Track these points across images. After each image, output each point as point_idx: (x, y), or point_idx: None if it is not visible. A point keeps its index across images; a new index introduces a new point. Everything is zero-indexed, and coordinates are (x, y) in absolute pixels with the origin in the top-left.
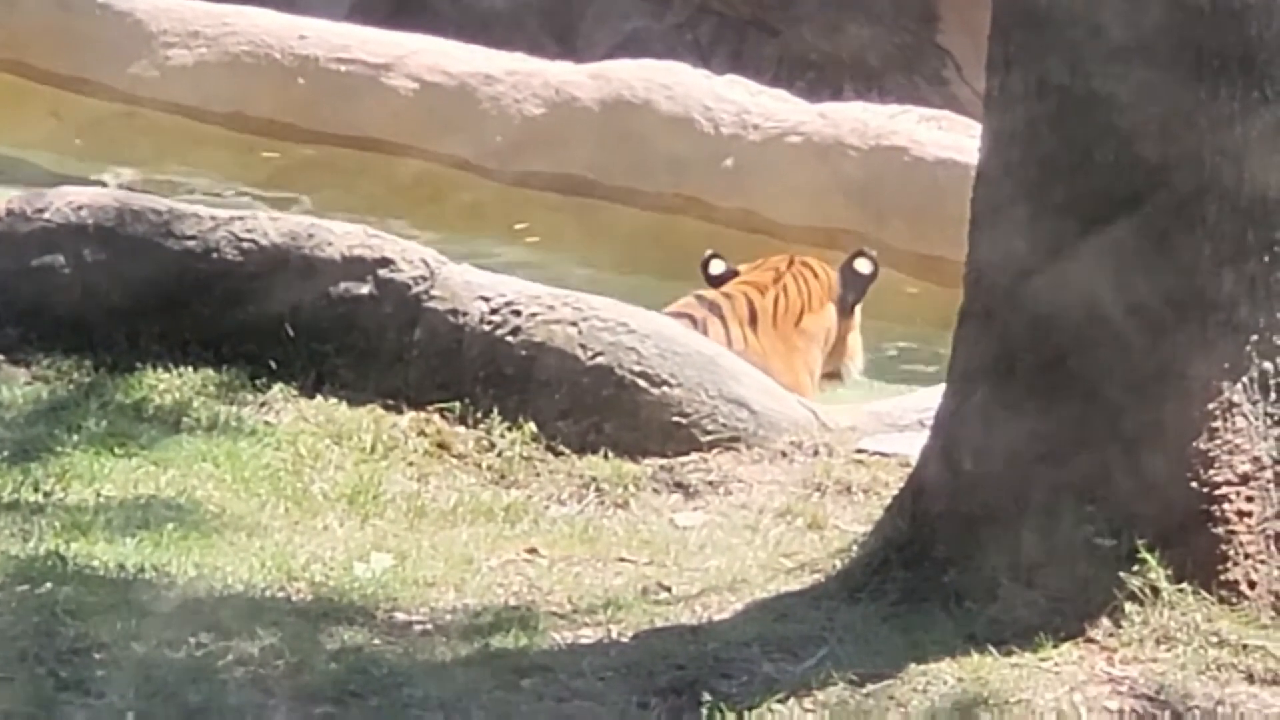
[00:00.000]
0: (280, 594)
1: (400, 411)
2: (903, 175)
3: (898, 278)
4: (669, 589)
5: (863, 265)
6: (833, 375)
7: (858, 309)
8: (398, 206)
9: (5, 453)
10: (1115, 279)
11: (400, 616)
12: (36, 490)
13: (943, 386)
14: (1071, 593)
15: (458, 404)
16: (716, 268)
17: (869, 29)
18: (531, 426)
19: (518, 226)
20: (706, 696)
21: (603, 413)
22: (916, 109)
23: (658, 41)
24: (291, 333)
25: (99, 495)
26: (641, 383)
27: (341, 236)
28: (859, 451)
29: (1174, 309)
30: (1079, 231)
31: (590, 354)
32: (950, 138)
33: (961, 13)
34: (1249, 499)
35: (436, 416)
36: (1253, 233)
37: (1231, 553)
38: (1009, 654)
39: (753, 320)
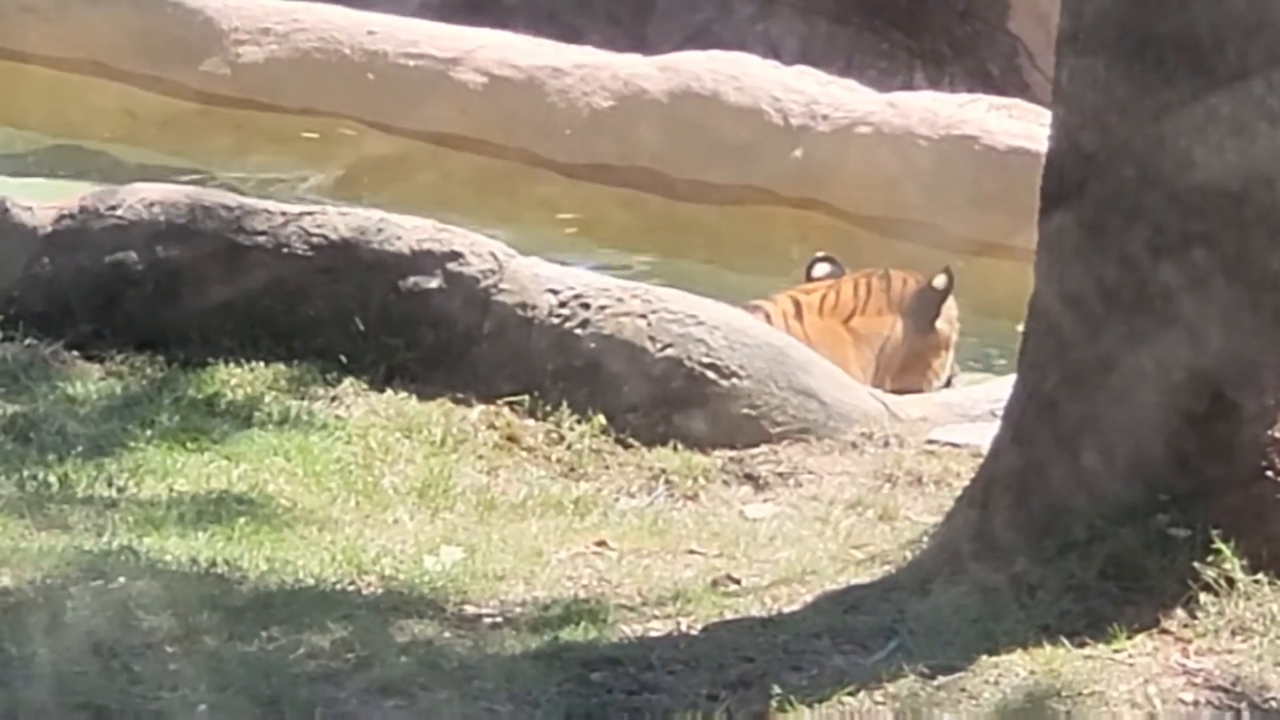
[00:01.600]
0: (350, 587)
1: (470, 405)
2: (973, 164)
3: (971, 265)
4: (738, 581)
5: (939, 282)
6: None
7: (942, 327)
8: (467, 201)
9: (79, 448)
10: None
11: (470, 609)
12: (110, 485)
13: (1013, 376)
14: (1146, 584)
15: (527, 397)
16: (820, 270)
17: (941, 17)
18: (601, 419)
19: (586, 219)
20: (776, 689)
21: (672, 405)
22: (986, 97)
23: (728, 33)
24: (362, 327)
25: (171, 490)
26: (711, 374)
27: (410, 230)
28: (930, 442)
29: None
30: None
31: (659, 346)
32: (1021, 126)
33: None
34: None
35: (506, 410)
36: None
37: None
38: (1081, 645)
39: (798, 314)
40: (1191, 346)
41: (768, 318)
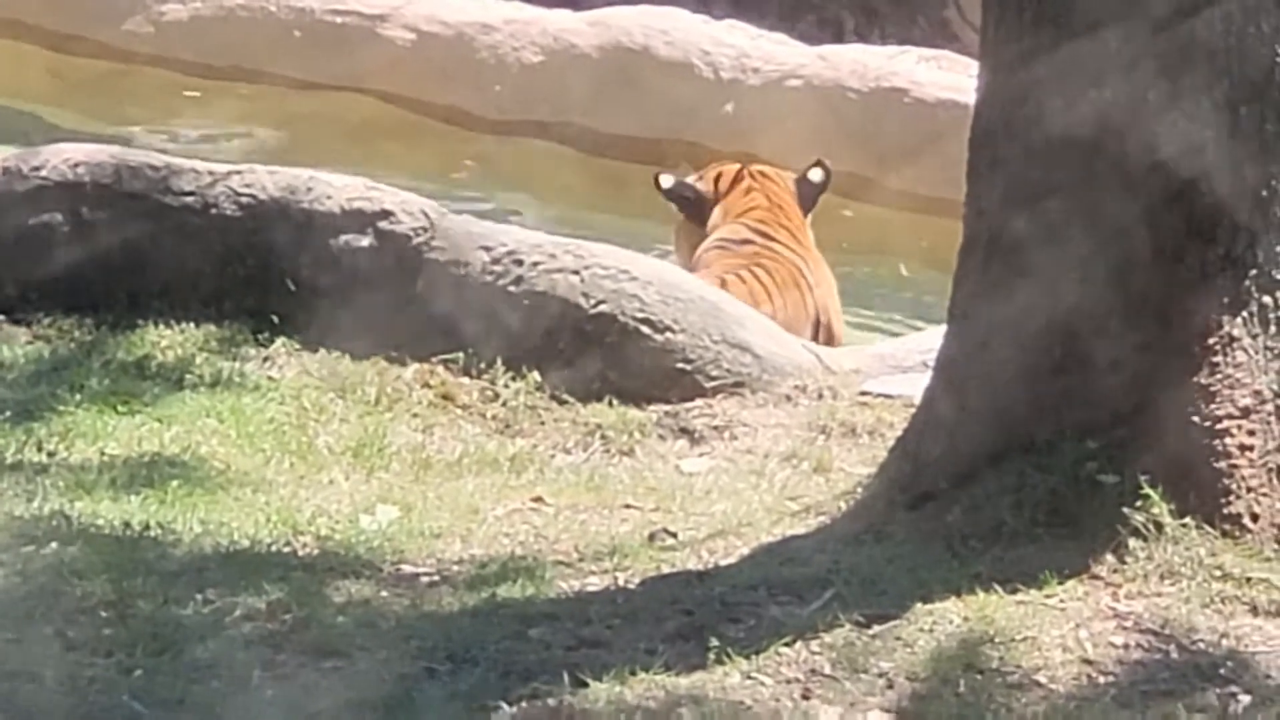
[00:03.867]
0: (286, 548)
1: (404, 364)
2: (903, 116)
3: (900, 218)
4: (675, 535)
5: (815, 174)
6: None
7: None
8: (396, 158)
9: (8, 413)
10: None
11: (407, 568)
12: (40, 450)
13: (944, 327)
14: (1075, 530)
15: (461, 355)
16: (667, 182)
17: None
18: (535, 376)
19: (517, 175)
20: (714, 641)
21: (606, 360)
22: (916, 50)
23: None
24: (293, 286)
25: (103, 454)
26: (645, 329)
27: (341, 189)
28: (863, 394)
29: None
30: None
31: (593, 302)
32: (950, 78)
33: None
34: (1250, 433)
35: (440, 368)
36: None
37: (1234, 486)
38: (1014, 592)
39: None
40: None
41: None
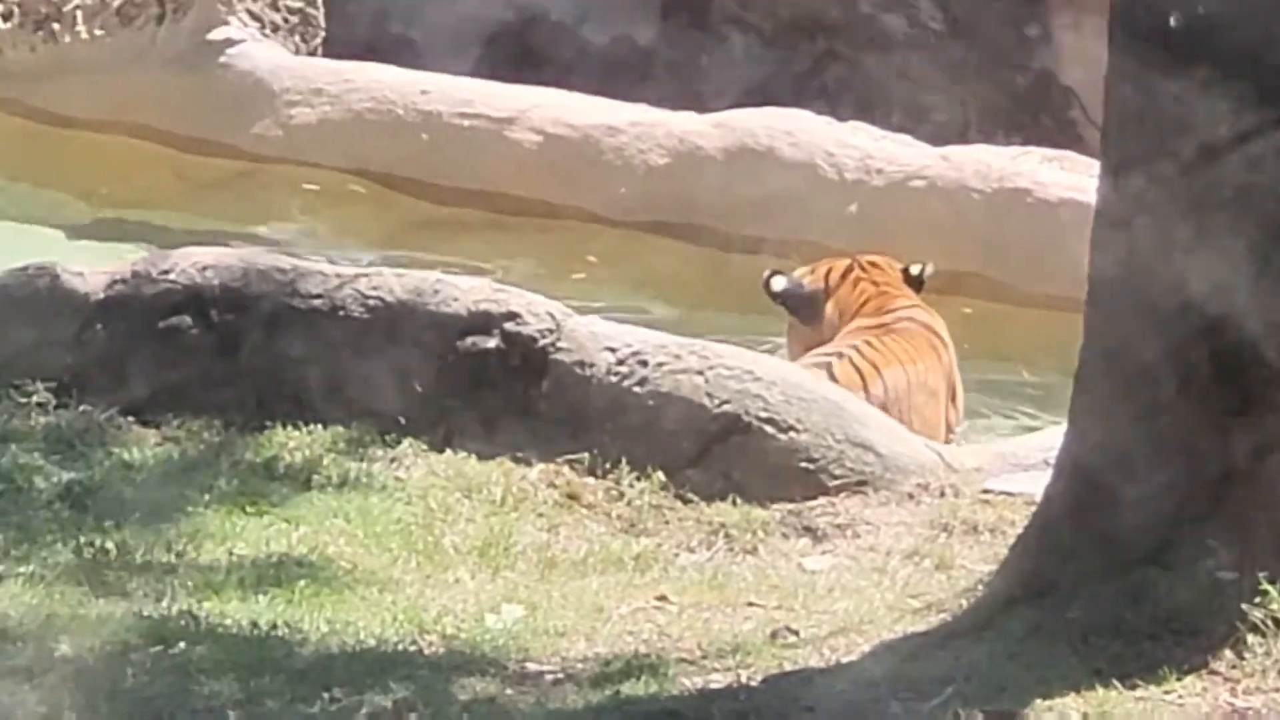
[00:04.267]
0: (412, 647)
1: (529, 464)
2: (1026, 216)
3: (1022, 317)
4: (797, 632)
5: (920, 268)
6: None
7: None
8: (524, 259)
9: (137, 514)
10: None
11: (532, 666)
12: (169, 550)
13: (1064, 425)
14: (1193, 626)
15: (587, 455)
16: (778, 285)
17: (995, 71)
18: (660, 475)
19: (643, 277)
20: None
21: (731, 460)
22: (1039, 150)
23: (784, 89)
24: (420, 388)
25: (231, 554)
26: (768, 429)
27: (467, 291)
28: (985, 491)
29: None
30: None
31: (717, 402)
32: (1073, 178)
33: (1087, 53)
34: None
35: (566, 468)
36: None
37: None
38: (1133, 688)
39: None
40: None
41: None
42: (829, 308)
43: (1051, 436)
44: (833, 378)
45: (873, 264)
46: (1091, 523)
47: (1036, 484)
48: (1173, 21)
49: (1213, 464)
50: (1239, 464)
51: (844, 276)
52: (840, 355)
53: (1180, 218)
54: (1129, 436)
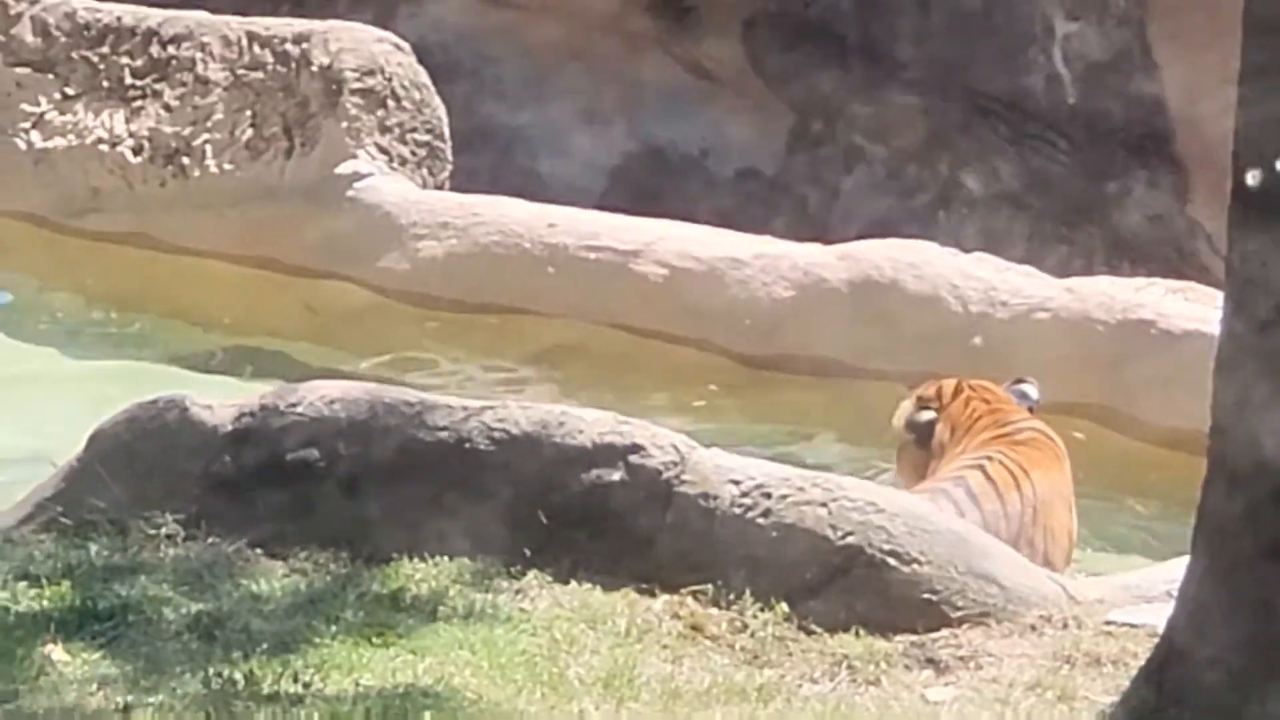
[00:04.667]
0: None
1: (654, 595)
2: (1151, 348)
3: (1148, 450)
4: None
5: (1029, 389)
6: None
7: None
8: (650, 392)
9: (264, 645)
10: None
11: None
12: (296, 681)
13: (1187, 558)
14: None
15: (710, 586)
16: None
17: (1120, 200)
18: (784, 606)
19: (768, 409)
20: None
21: (854, 591)
22: (1163, 281)
23: (908, 220)
24: (545, 520)
25: (358, 685)
26: (892, 561)
27: (592, 423)
28: (1108, 623)
29: None
30: None
31: (840, 534)
32: (1197, 309)
33: (1212, 185)
34: None
35: (690, 599)
36: None
37: None
38: None
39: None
40: None
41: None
42: (939, 427)
43: (1174, 569)
44: (988, 478)
45: (982, 385)
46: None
47: (1159, 616)
48: (1250, 180)
49: None
50: None
51: (954, 395)
52: (990, 458)
53: (1255, 376)
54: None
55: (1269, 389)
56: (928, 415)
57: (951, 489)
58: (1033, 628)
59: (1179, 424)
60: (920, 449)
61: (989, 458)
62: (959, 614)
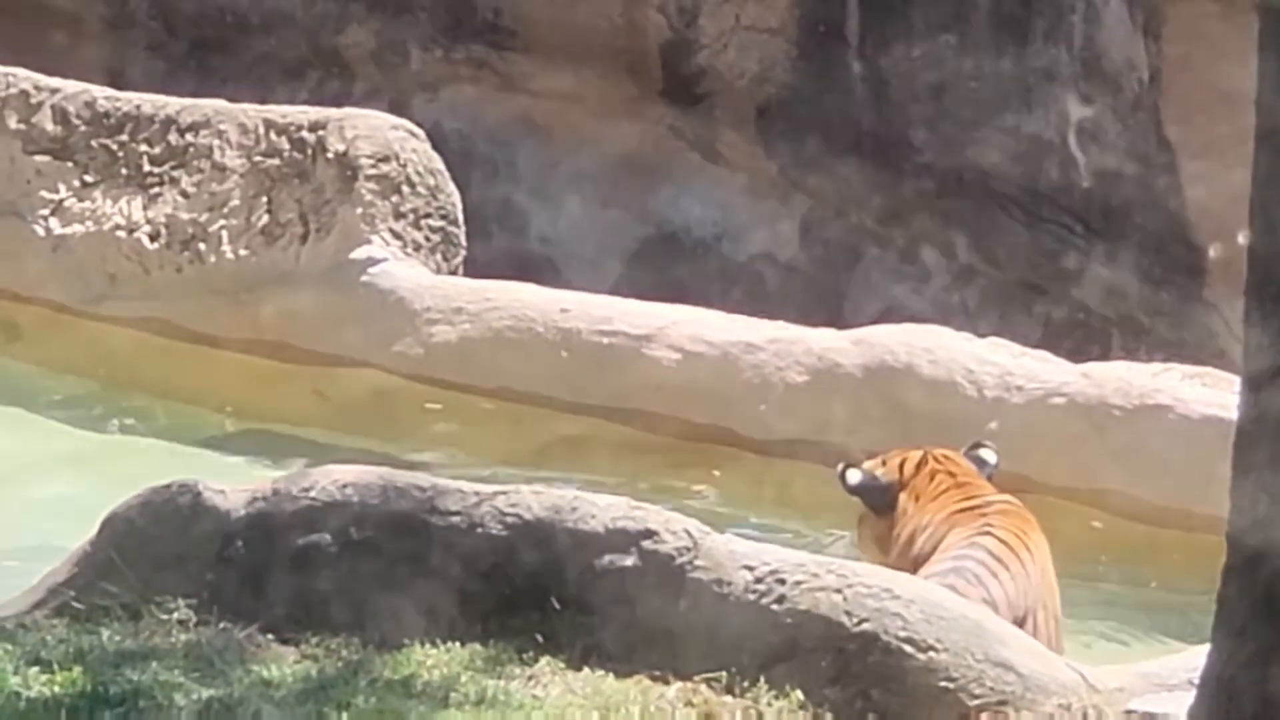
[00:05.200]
0: None
1: (667, 682)
2: (1169, 434)
3: (1166, 536)
4: None
5: (987, 454)
6: None
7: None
8: (662, 476)
9: None
10: None
11: None
12: None
13: (1207, 646)
14: None
15: (724, 674)
16: (854, 478)
17: (1137, 286)
18: (798, 694)
19: (782, 496)
20: None
21: (869, 679)
22: (1180, 366)
23: (924, 304)
24: (558, 605)
25: None
26: (908, 648)
27: (605, 508)
28: (1128, 713)
29: None
30: None
31: (855, 620)
32: (1215, 395)
33: (1229, 268)
34: None
35: (704, 686)
36: None
37: None
38: None
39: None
40: None
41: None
42: (902, 498)
43: (1195, 657)
44: (1002, 543)
45: (946, 456)
46: None
47: (1180, 705)
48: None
49: None
50: None
51: (918, 467)
52: (991, 524)
53: (1273, 463)
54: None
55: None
56: (855, 475)
57: (972, 553)
58: (1052, 717)
59: (1199, 509)
60: (879, 519)
61: (989, 524)
62: (976, 702)
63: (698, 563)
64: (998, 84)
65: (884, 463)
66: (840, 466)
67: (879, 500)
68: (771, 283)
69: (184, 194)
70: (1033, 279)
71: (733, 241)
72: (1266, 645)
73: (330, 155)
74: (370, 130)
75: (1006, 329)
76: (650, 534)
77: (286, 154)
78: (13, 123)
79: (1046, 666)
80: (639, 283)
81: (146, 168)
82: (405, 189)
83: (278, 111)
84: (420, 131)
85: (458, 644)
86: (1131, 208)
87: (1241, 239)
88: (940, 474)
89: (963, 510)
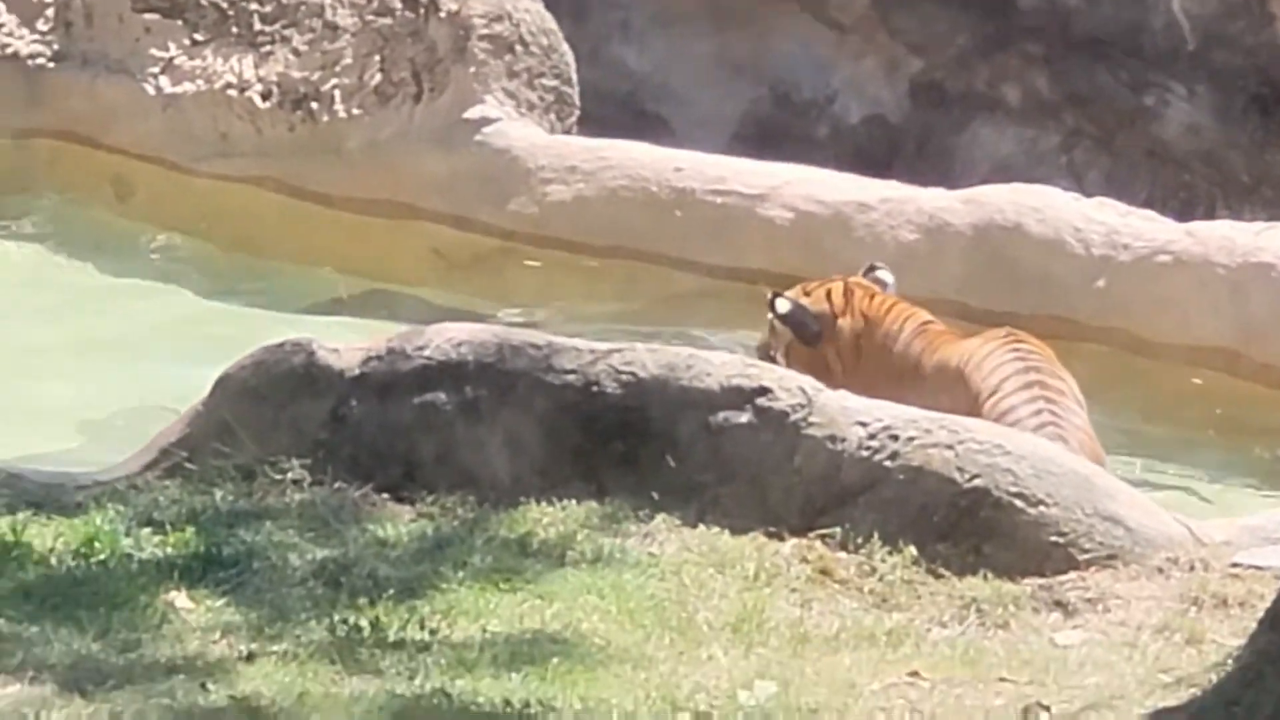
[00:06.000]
0: None
1: (782, 539)
2: (1270, 291)
3: (1269, 394)
4: (1048, 708)
5: (883, 275)
6: None
7: None
8: None
9: (391, 591)
10: None
11: None
12: (422, 628)
13: None
14: None
15: (838, 530)
16: (783, 307)
17: (1241, 145)
18: (912, 550)
19: None
20: None
21: (981, 534)
22: None
23: (1032, 165)
24: (673, 463)
25: (484, 631)
26: (1018, 504)
27: (719, 366)
28: (1234, 565)
29: None
30: None
31: (967, 476)
32: None
33: None
34: None
35: (819, 543)
36: None
37: None
38: None
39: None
40: None
41: None
42: (843, 324)
43: None
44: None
45: (861, 282)
46: None
47: None
48: None
49: None
50: None
51: (848, 294)
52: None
53: None
54: None
55: None
56: (785, 304)
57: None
58: (1159, 570)
59: None
60: (810, 349)
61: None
62: (1086, 556)
63: (811, 419)
64: None
65: (807, 293)
66: (770, 295)
67: (811, 329)
68: (883, 143)
69: (295, 52)
70: (1140, 140)
71: (845, 103)
72: None
73: (443, 14)
74: None
75: (1113, 189)
76: (764, 391)
77: (399, 13)
78: None
79: (1154, 521)
80: (750, 142)
81: (257, 26)
82: (518, 48)
83: None
84: None
85: (573, 502)
86: (1234, 71)
87: None
88: (878, 297)
89: (928, 325)
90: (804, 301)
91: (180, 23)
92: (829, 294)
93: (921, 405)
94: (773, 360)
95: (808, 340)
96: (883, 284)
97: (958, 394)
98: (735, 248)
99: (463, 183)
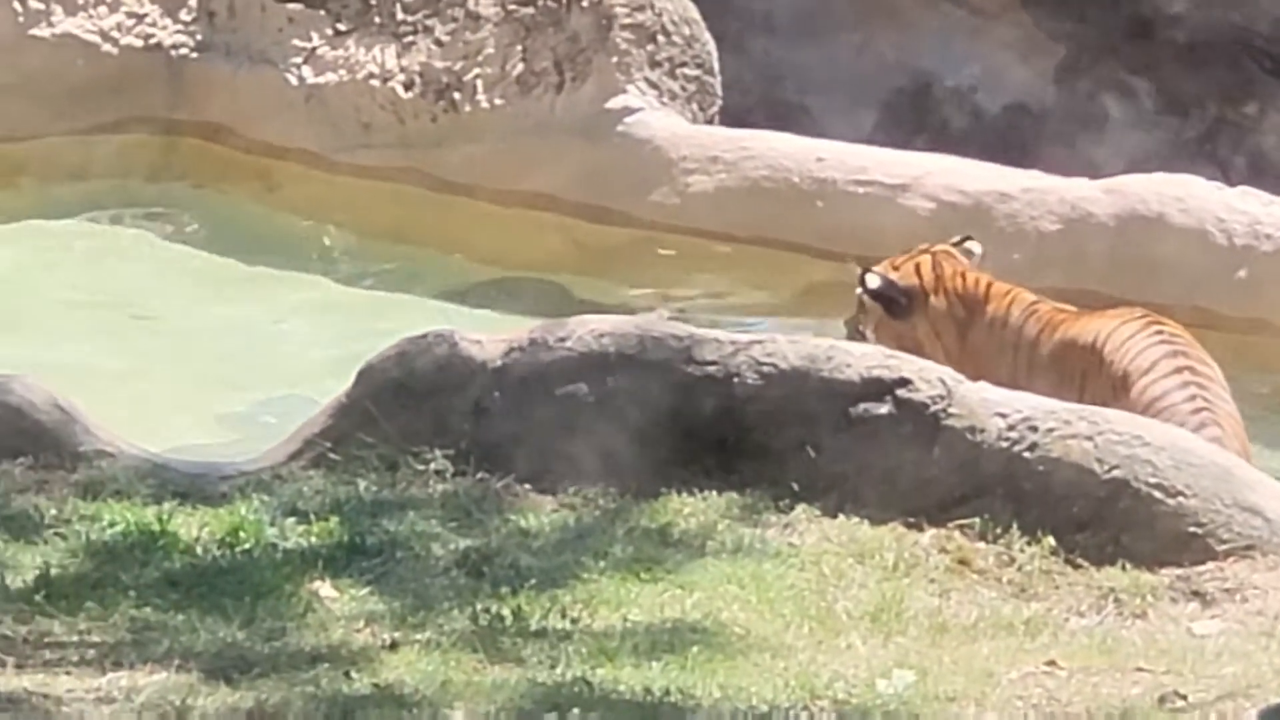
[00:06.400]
0: (804, 713)
1: (921, 529)
2: None
3: None
4: (1185, 697)
5: (973, 246)
6: None
7: None
8: None
9: (532, 580)
10: None
11: None
12: (564, 617)
13: None
14: None
15: (977, 520)
16: (874, 282)
17: None
18: (1050, 540)
19: None
20: None
21: (1120, 525)
22: None
23: (1176, 155)
24: (813, 454)
25: (625, 620)
26: (1157, 494)
27: (860, 358)
28: None
29: None
30: None
31: (1106, 467)
32: None
33: None
34: None
35: (957, 533)
36: None
37: None
38: None
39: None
40: None
41: None
42: (936, 304)
43: None
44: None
45: (949, 252)
46: None
47: None
48: None
49: None
50: None
51: (936, 267)
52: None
53: None
54: None
55: None
56: (875, 279)
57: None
58: None
59: None
60: (901, 323)
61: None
62: (1224, 547)
63: (951, 410)
64: None
65: (895, 267)
66: (860, 270)
67: (900, 303)
68: (1025, 132)
69: (438, 42)
70: None
71: (987, 91)
72: None
73: (585, 3)
74: None
75: (1255, 179)
76: (905, 382)
77: (541, 2)
78: None
79: None
80: (893, 131)
81: (400, 15)
82: (661, 38)
83: None
84: None
85: (713, 492)
86: None
87: None
88: (966, 275)
89: (1036, 305)
90: (892, 276)
91: (323, 13)
92: (918, 268)
93: (1041, 386)
94: (862, 336)
95: (896, 314)
96: (970, 255)
97: (1093, 374)
98: (876, 238)
99: (603, 173)
